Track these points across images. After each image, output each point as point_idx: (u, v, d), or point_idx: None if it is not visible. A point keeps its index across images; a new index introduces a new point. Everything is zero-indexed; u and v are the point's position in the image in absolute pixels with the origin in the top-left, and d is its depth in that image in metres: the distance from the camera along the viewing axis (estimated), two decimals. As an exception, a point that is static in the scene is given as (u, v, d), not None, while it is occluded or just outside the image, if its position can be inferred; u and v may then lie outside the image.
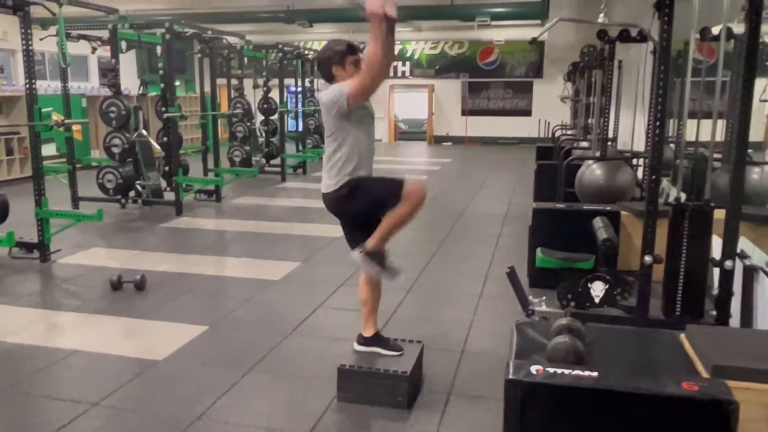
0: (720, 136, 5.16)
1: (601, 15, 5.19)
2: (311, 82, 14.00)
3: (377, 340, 3.32)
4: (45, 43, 8.00)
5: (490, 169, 13.43)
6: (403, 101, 20.92)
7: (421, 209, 3.05)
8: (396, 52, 19.31)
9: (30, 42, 5.62)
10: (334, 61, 3.07)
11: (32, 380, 3.46)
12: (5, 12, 5.57)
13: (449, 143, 19.54)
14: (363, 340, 3.32)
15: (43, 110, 5.74)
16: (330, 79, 3.11)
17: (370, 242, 3.10)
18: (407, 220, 3.05)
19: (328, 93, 3.02)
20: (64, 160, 8.92)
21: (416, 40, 19.59)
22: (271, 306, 4.67)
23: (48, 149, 10.59)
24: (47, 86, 12.72)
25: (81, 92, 12.54)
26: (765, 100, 5.63)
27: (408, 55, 19.84)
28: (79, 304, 4.75)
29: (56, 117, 6.26)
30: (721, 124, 5.30)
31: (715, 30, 4.80)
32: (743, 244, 3.51)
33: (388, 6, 2.68)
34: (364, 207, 3.11)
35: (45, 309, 4.69)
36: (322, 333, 4.14)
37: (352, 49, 3.10)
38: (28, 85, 5.65)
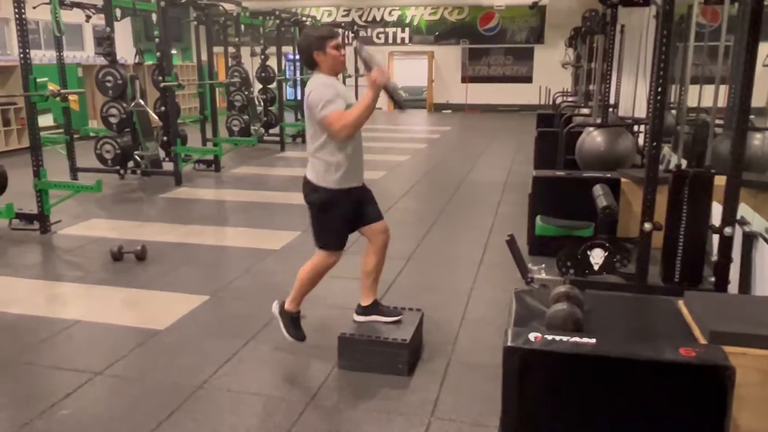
0: (722, 102, 5.12)
1: (604, -22, 5.10)
2: (309, 49, 13.83)
3: (376, 308, 3.34)
4: (39, 12, 7.88)
5: (490, 136, 13.36)
6: (402, 68, 20.69)
7: (324, 271, 3.27)
8: (395, 18, 19.23)
9: (23, 10, 5.54)
10: (315, 47, 3.07)
11: (36, 351, 3.49)
12: (-4, -20, 5.48)
13: (449, 111, 19.41)
14: (362, 310, 3.35)
15: (38, 80, 5.68)
16: (312, 65, 3.13)
17: (287, 301, 3.35)
18: (304, 278, 3.27)
19: (313, 94, 3.03)
20: (61, 130, 8.87)
21: (415, 6, 19.32)
22: (272, 275, 4.69)
23: (45, 120, 10.51)
24: (42, 56, 12.56)
25: (76, 62, 12.40)
26: (768, 65, 5.56)
27: (407, 21, 19.58)
28: (80, 275, 4.78)
29: (52, 87, 6.21)
30: (723, 89, 5.25)
31: (719, -7, 4.71)
32: (743, 210, 3.50)
33: (386, 80, 2.92)
34: (316, 219, 3.23)
35: (46, 280, 4.71)
36: (323, 302, 4.15)
37: (331, 34, 3.12)
38: (22, 55, 5.58)
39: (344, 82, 14.12)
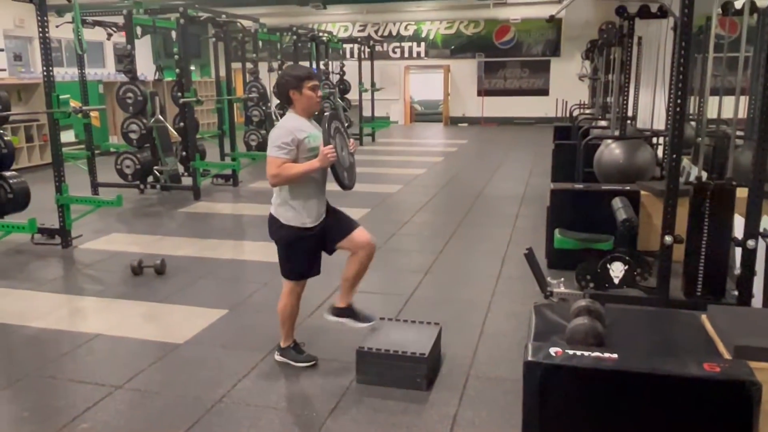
0: (742, 113, 5.07)
1: (620, -9, 5.08)
2: (326, 64, 13.95)
3: (349, 311, 3.42)
4: (61, 30, 8.05)
5: (507, 149, 13.33)
6: (418, 82, 20.77)
7: (297, 298, 3.36)
8: (411, 33, 19.30)
9: (46, 29, 5.65)
10: (291, 85, 3.17)
11: (57, 364, 3.53)
12: (22, 0, 5.60)
13: (465, 124, 19.41)
14: (335, 311, 3.43)
15: (60, 97, 5.79)
16: (288, 102, 3.23)
17: (281, 342, 3.47)
18: (284, 311, 3.37)
19: (275, 131, 3.19)
20: (82, 146, 9.00)
21: (431, 20, 19.41)
22: (290, 289, 4.69)
23: (67, 136, 10.68)
24: (64, 73, 12.79)
25: (98, 78, 12.61)
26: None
27: (423, 35, 19.66)
28: (101, 288, 4.82)
29: (74, 104, 6.31)
30: (743, 100, 5.20)
31: (738, 4, 4.69)
32: (766, 222, 3.45)
33: (335, 160, 3.08)
34: (282, 254, 3.34)
35: (68, 294, 4.77)
36: (341, 316, 4.15)
37: (309, 75, 3.21)
38: (45, 73, 5.69)
39: (360, 95, 14.17)
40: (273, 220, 3.30)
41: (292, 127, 3.15)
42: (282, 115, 12.11)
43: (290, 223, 3.22)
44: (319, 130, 3.20)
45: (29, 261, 5.52)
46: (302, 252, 3.28)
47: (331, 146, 3.07)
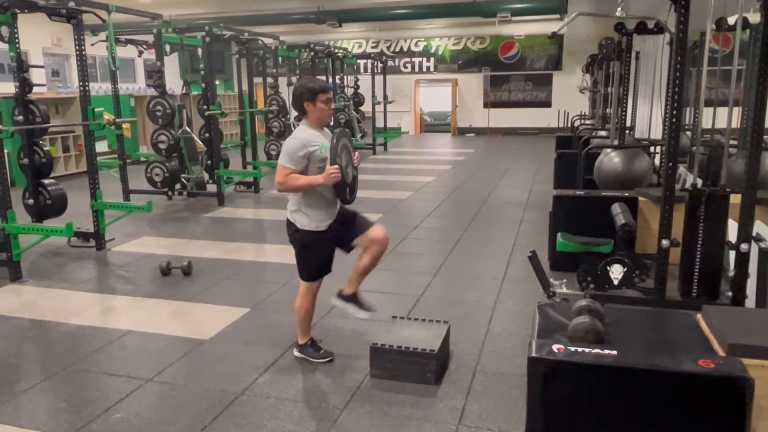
0: (735, 124, 5.03)
1: (619, 9, 5.07)
2: (341, 79, 14.00)
3: (354, 299, 3.46)
4: (96, 48, 8.14)
5: (512, 158, 13.30)
6: (428, 95, 20.78)
7: (314, 297, 3.38)
8: (421, 49, 19.32)
9: (83, 47, 5.73)
10: (306, 97, 3.18)
11: (91, 358, 3.56)
12: (60, 20, 5.68)
13: (472, 134, 19.38)
14: (343, 296, 3.46)
15: (95, 110, 5.85)
16: (302, 112, 3.23)
17: (298, 339, 3.49)
18: (301, 309, 3.38)
19: (289, 141, 3.18)
20: (115, 156, 9.09)
21: (440, 37, 19.43)
22: (308, 289, 4.70)
23: (100, 146, 10.79)
24: (98, 88, 12.93)
25: (129, 93, 12.74)
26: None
27: (432, 51, 19.68)
28: (132, 288, 4.87)
29: (108, 116, 6.38)
30: (736, 111, 5.16)
31: (731, 20, 4.66)
32: (758, 227, 3.43)
33: (338, 179, 3.07)
34: (299, 256, 3.36)
35: (101, 293, 4.81)
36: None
37: (323, 88, 3.21)
38: (81, 87, 5.76)
39: (373, 108, 14.16)
40: (289, 225, 3.33)
41: (305, 139, 3.15)
42: (300, 127, 11.96)
43: (305, 227, 3.25)
44: (329, 140, 3.20)
45: (66, 262, 5.59)
46: (317, 253, 3.30)
47: (335, 166, 3.06)
